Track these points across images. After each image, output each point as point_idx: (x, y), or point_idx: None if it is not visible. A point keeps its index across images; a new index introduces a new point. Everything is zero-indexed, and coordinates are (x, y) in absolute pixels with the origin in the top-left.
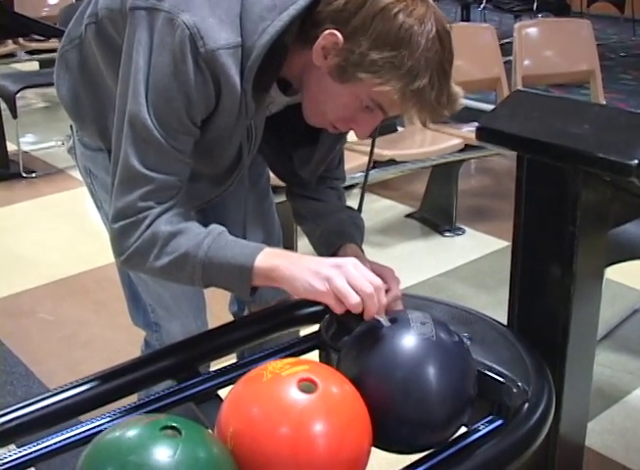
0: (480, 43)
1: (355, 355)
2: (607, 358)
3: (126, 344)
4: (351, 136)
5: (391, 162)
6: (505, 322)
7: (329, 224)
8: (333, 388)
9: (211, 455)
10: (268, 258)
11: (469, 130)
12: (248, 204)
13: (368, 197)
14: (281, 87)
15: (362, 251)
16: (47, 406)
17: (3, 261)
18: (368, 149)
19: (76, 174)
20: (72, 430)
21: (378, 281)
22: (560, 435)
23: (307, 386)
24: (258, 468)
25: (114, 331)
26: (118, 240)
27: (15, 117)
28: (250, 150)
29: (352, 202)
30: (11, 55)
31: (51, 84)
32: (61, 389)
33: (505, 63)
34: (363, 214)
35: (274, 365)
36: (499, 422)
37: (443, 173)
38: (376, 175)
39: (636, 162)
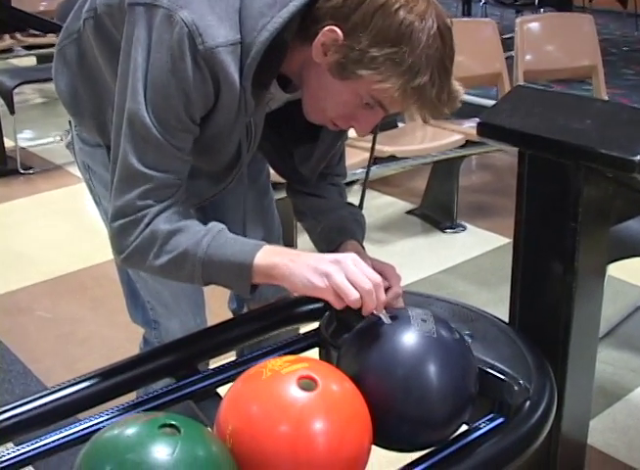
0: (482, 38)
1: (355, 353)
2: (609, 356)
3: (125, 341)
4: (352, 132)
5: (392, 158)
6: (506, 319)
7: (330, 221)
8: (333, 385)
9: (210, 454)
10: (268, 256)
11: (470, 126)
12: (247, 201)
13: (368, 193)
14: (281, 84)
15: (363, 247)
16: (45, 404)
17: (0, 258)
18: (369, 145)
19: (74, 171)
20: (70, 428)
21: (377, 277)
22: (562, 433)
23: (307, 383)
24: (258, 466)
25: (112, 329)
26: (118, 238)
27: (12, 112)
28: (249, 147)
29: (353, 198)
30: (8, 50)
31: (49, 80)
32: (59, 387)
33: (506, 58)
34: (363, 211)
35: (274, 363)
36: (500, 420)
37: (444, 170)
38: (376, 171)
39: (639, 157)
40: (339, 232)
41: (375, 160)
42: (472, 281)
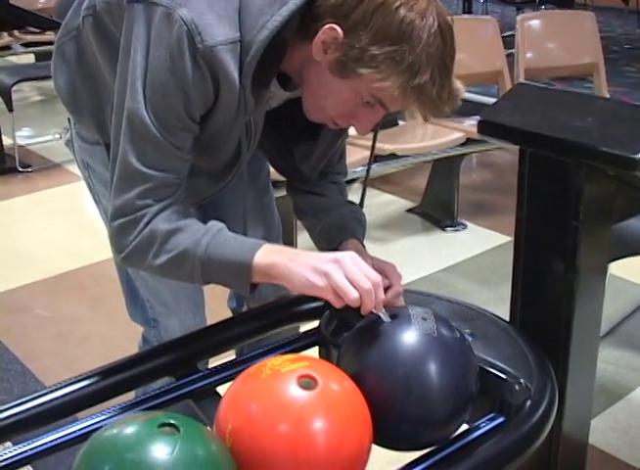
0: (482, 36)
1: (356, 352)
2: (610, 355)
3: (124, 340)
4: (352, 129)
5: (392, 156)
6: (507, 318)
7: (330, 219)
8: (333, 384)
9: (210, 453)
10: (267, 255)
11: (470, 124)
12: (247, 200)
13: (368, 191)
14: (281, 82)
15: (364, 246)
16: (43, 404)
17: None
18: (369, 143)
19: (73, 169)
20: (69, 427)
21: (376, 277)
22: (563, 432)
23: (307, 382)
24: (257, 466)
25: (111, 327)
26: (117, 238)
27: (10, 110)
28: (249, 146)
29: (353, 196)
30: (6, 47)
31: (47, 77)
32: (57, 386)
33: (507, 56)
34: (364, 209)
35: (273, 362)
36: (501, 419)
37: (445, 168)
38: (377, 170)
39: None
40: (339, 231)
41: (375, 158)
42: (472, 280)
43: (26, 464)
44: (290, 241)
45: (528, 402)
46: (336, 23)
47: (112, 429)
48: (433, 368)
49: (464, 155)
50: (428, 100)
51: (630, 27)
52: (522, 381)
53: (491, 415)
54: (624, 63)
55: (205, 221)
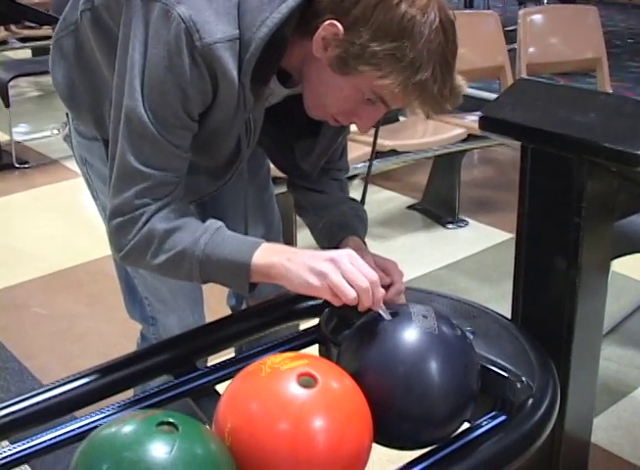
0: (484, 31)
1: (356, 349)
2: (613, 353)
3: (122, 338)
4: (353, 125)
5: (393, 152)
6: (509, 316)
7: (331, 216)
8: (333, 383)
9: (209, 452)
10: (265, 255)
11: (472, 120)
12: (248, 197)
13: (369, 188)
14: (280, 79)
15: (365, 243)
16: (41, 402)
17: None
18: (370, 139)
19: (71, 165)
20: (67, 426)
21: (373, 275)
22: (565, 431)
23: (307, 381)
24: (257, 465)
25: (109, 325)
26: (116, 237)
27: (7, 105)
28: (249, 143)
29: (354, 193)
30: (3, 42)
31: (44, 72)
32: (55, 384)
33: (509, 51)
34: (364, 206)
35: (273, 360)
36: (503, 418)
37: (446, 164)
38: (377, 166)
39: None
40: (340, 228)
41: (375, 154)
42: (474, 277)
43: (24, 463)
44: (290, 238)
45: (530, 401)
46: (336, 20)
47: (110, 427)
48: (433, 366)
49: (465, 151)
50: (429, 97)
51: (633, 22)
52: (523, 379)
53: (493, 414)
54: (628, 58)
55: (204, 219)
